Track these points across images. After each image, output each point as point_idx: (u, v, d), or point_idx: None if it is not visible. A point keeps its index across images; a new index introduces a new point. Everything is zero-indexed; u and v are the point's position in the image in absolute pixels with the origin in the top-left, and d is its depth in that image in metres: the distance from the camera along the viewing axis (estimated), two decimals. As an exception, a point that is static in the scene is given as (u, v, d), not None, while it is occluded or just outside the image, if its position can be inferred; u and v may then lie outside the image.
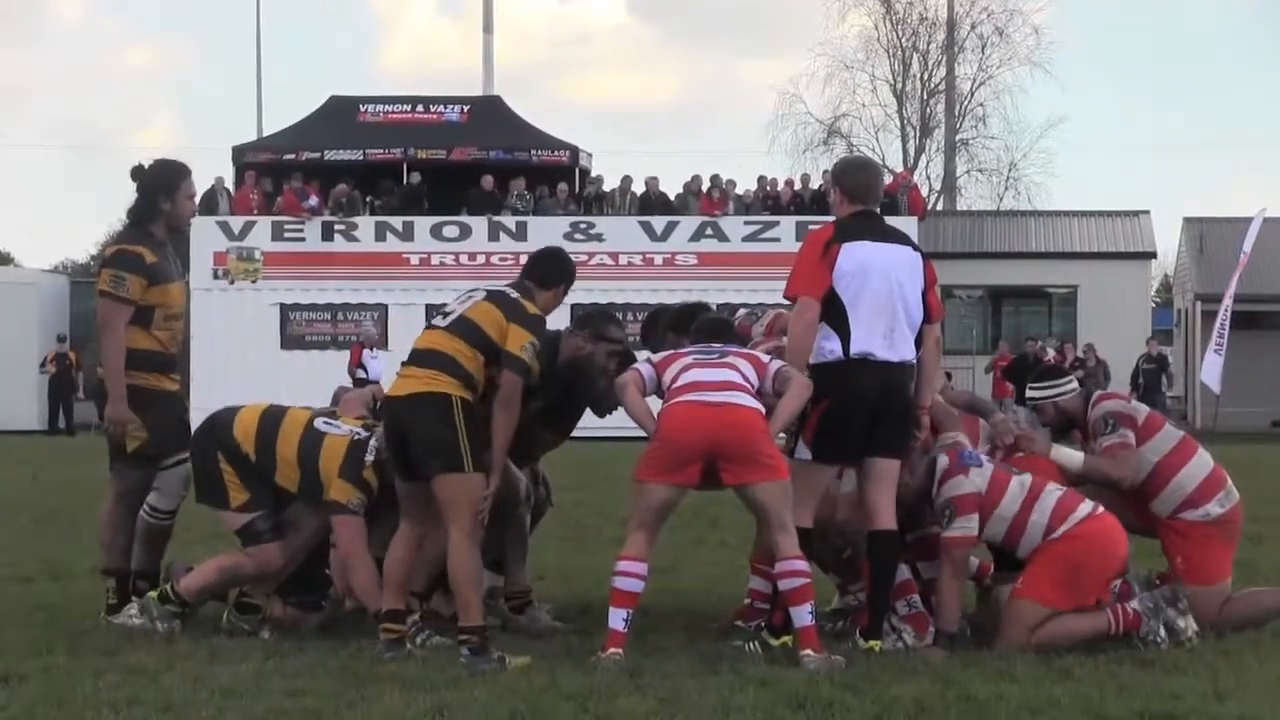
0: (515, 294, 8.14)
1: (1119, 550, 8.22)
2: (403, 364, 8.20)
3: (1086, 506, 8.23)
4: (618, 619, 7.88)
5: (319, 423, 8.62)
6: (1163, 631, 8.14)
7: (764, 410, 8.00)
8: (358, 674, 7.57)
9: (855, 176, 8.39)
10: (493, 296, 8.15)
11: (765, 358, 8.26)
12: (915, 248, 8.36)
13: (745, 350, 8.38)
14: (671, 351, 8.38)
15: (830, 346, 8.05)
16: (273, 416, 8.68)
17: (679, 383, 8.09)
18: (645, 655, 7.95)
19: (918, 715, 6.75)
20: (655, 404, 8.20)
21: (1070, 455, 8.72)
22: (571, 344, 8.62)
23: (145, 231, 8.99)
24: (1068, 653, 7.92)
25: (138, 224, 9.04)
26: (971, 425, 8.88)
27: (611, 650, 7.80)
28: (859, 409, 8.05)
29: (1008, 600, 8.25)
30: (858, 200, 8.28)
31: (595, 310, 9.42)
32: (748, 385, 8.06)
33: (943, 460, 8.27)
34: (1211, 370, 33.82)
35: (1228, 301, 34.27)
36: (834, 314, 8.03)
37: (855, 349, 8.03)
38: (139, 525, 9.10)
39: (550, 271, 8.32)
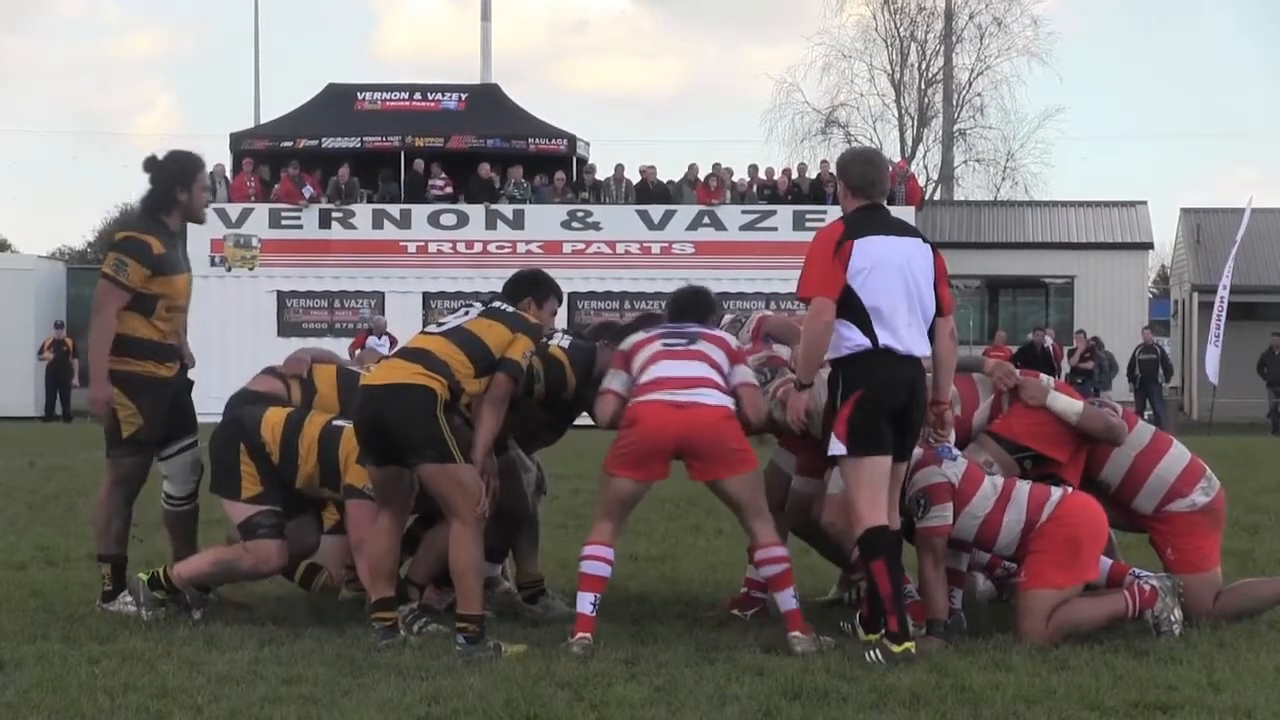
0: (512, 308, 8.25)
1: (1103, 519, 8.29)
2: (384, 358, 8.26)
3: (1057, 490, 8.27)
4: (585, 603, 7.95)
5: (337, 422, 8.69)
6: (1177, 611, 8.16)
7: (731, 404, 8.04)
8: (353, 661, 7.58)
9: (860, 169, 8.12)
10: (491, 312, 8.21)
11: (734, 341, 8.29)
12: (925, 240, 8.12)
13: (715, 333, 8.36)
14: (643, 336, 8.37)
15: (854, 338, 7.75)
16: (297, 415, 8.78)
17: (646, 377, 8.13)
18: (642, 643, 7.97)
19: (914, 705, 6.75)
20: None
21: (1068, 403, 8.67)
22: (606, 357, 8.63)
23: (158, 221, 8.97)
24: (1063, 642, 7.93)
25: (151, 214, 9.02)
26: (966, 386, 8.83)
27: (580, 635, 7.86)
28: (890, 400, 7.77)
29: (1018, 596, 8.24)
30: (862, 194, 8.02)
31: (630, 323, 9.28)
32: (715, 379, 8.09)
33: (916, 452, 8.25)
34: (1213, 363, 33.87)
35: (1223, 293, 34.27)
36: (852, 311, 7.75)
37: (882, 341, 7.76)
38: (164, 518, 9.23)
39: (542, 290, 8.46)
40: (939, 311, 8.00)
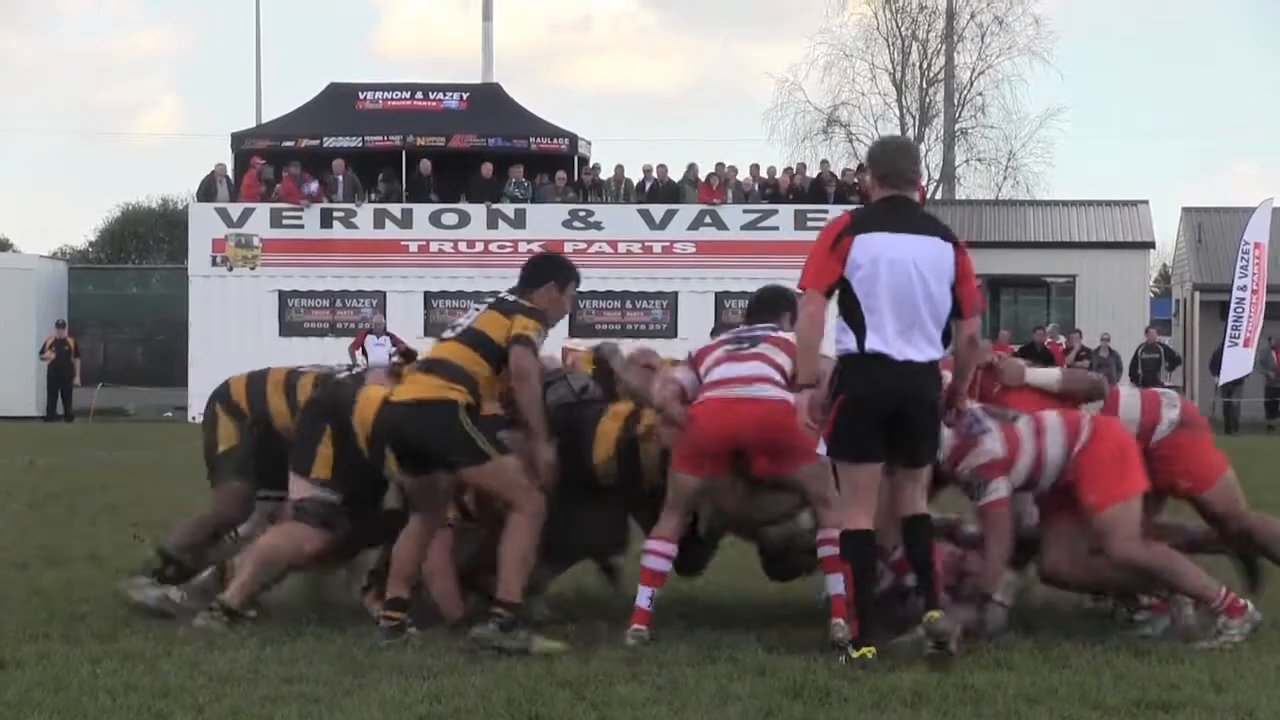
0: (514, 296, 8.29)
1: (1130, 430, 8.43)
2: (407, 369, 8.36)
3: (1085, 415, 8.38)
4: (644, 597, 8.12)
5: None
6: (1239, 636, 8.01)
7: (792, 399, 7.96)
8: (355, 661, 7.58)
9: (889, 157, 7.94)
10: (494, 304, 8.30)
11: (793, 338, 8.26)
12: (947, 237, 7.84)
13: (780, 335, 8.40)
14: (710, 343, 8.55)
15: (845, 341, 7.68)
16: None
17: (711, 376, 8.28)
18: (643, 642, 7.96)
19: (916, 704, 6.75)
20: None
21: (1046, 374, 8.89)
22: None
23: None
24: (1065, 641, 7.93)
25: None
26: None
27: (635, 627, 8.01)
28: (873, 407, 7.63)
29: (1093, 525, 8.11)
30: (888, 183, 7.81)
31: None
32: (774, 377, 8.18)
33: (949, 442, 8.20)
34: (1231, 365, 34.02)
35: (1239, 293, 34.31)
36: (850, 308, 7.65)
37: (869, 346, 7.61)
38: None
39: (564, 272, 8.43)
40: (958, 313, 7.77)
